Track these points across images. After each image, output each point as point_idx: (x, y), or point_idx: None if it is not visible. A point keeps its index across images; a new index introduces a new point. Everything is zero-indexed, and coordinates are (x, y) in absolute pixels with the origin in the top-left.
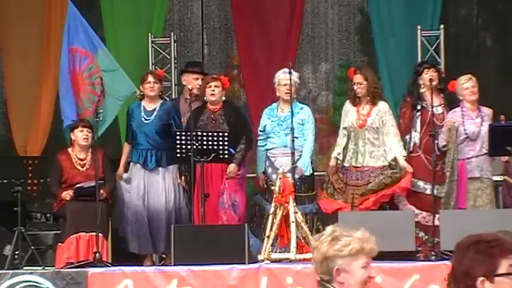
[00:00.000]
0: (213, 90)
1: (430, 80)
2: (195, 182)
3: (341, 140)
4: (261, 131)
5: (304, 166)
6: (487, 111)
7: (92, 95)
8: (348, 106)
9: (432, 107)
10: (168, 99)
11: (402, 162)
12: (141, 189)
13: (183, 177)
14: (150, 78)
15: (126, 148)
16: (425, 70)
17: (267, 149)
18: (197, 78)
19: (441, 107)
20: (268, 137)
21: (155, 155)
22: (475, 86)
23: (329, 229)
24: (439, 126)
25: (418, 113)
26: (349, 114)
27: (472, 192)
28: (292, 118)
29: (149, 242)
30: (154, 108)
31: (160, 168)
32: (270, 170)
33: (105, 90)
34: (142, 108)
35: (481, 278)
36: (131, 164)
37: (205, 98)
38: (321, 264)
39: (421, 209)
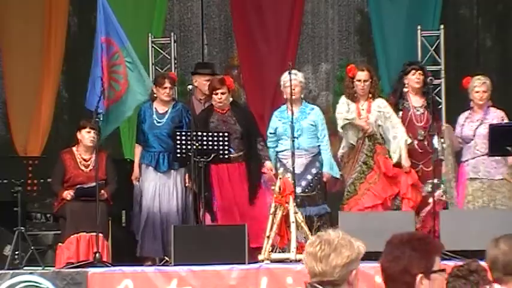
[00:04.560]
0: (220, 98)
1: (418, 83)
2: (212, 184)
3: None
4: (271, 133)
5: (331, 169)
6: (495, 113)
7: (116, 84)
8: (347, 101)
9: (414, 108)
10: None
11: (404, 161)
12: (154, 192)
13: (191, 182)
14: (167, 84)
15: (138, 149)
16: (413, 71)
17: (278, 151)
18: (208, 80)
19: (422, 108)
20: (280, 139)
21: (167, 157)
22: (487, 90)
23: (335, 233)
24: (419, 127)
25: (400, 113)
26: (351, 111)
27: (470, 194)
28: (292, 118)
29: (161, 246)
30: (166, 111)
31: (172, 171)
32: (282, 171)
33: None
34: (154, 110)
35: (420, 275)
36: (143, 166)
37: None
38: (342, 268)
39: None
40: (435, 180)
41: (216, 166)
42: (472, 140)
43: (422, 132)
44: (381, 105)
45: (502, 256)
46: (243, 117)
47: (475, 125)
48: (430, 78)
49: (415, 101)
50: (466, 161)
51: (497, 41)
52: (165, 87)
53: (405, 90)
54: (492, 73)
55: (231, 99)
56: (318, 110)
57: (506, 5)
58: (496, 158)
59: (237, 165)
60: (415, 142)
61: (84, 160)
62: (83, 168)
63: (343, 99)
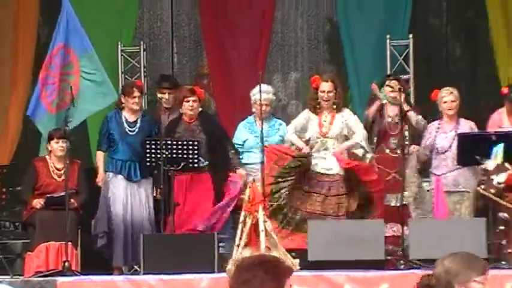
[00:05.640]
0: (192, 106)
1: (392, 92)
2: (173, 192)
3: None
4: (238, 144)
5: None
6: (466, 124)
7: (63, 94)
8: (309, 114)
9: (388, 117)
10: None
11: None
12: (125, 200)
13: (158, 190)
14: (136, 93)
15: (101, 155)
16: (387, 82)
17: (245, 163)
18: (164, 93)
19: (396, 117)
20: (248, 151)
21: (139, 166)
22: (455, 100)
23: (247, 252)
24: (392, 136)
25: (375, 124)
26: (312, 124)
27: (449, 206)
28: (262, 132)
29: (133, 255)
30: (136, 120)
31: (143, 180)
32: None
33: (74, 98)
34: (124, 119)
35: None
36: (111, 174)
37: (180, 110)
38: None
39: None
40: (405, 193)
41: (180, 176)
42: (447, 151)
43: (396, 142)
44: (345, 115)
45: (444, 274)
46: (209, 125)
47: (449, 136)
48: (399, 88)
49: (391, 111)
50: (444, 174)
51: (467, 50)
52: (134, 97)
53: (384, 102)
54: (461, 81)
55: (200, 109)
56: (284, 125)
57: (474, 13)
58: (475, 168)
59: (202, 175)
60: (387, 151)
61: (57, 169)
62: (55, 177)
63: (304, 114)
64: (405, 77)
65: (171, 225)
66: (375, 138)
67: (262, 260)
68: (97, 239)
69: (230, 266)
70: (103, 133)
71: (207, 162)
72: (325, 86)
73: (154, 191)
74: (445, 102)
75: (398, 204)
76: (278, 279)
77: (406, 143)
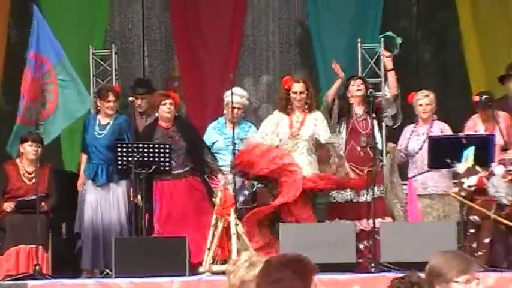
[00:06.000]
0: (169, 108)
1: (359, 90)
2: (155, 197)
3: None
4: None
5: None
6: (439, 126)
7: (45, 103)
8: (280, 116)
9: (356, 115)
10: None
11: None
12: (94, 204)
13: (139, 196)
14: (111, 97)
15: (84, 158)
16: (352, 82)
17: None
18: (137, 98)
19: (364, 114)
20: (217, 153)
21: (106, 170)
22: (430, 103)
23: (245, 254)
24: (361, 134)
25: (343, 123)
26: (283, 124)
27: (421, 210)
28: (233, 135)
29: (102, 258)
30: (108, 123)
31: (111, 184)
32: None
33: (55, 105)
34: (97, 121)
35: None
36: (86, 177)
37: (156, 114)
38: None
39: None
40: (375, 189)
41: (161, 182)
42: (417, 153)
43: (365, 139)
44: (317, 118)
45: (427, 274)
46: (187, 131)
47: (421, 139)
48: (370, 90)
49: (357, 109)
50: (414, 176)
51: (437, 53)
52: (109, 101)
53: (351, 102)
54: (432, 85)
55: (176, 113)
56: (254, 128)
57: (445, 16)
58: (443, 171)
59: (184, 181)
60: (358, 148)
61: (28, 173)
62: (25, 180)
63: (274, 117)
64: (376, 80)
65: (151, 228)
66: (336, 121)
67: (290, 259)
68: (78, 240)
69: (230, 267)
70: (83, 136)
71: (182, 170)
72: (297, 87)
73: (132, 195)
74: (420, 105)
75: (369, 199)
76: (305, 279)
77: (381, 139)
